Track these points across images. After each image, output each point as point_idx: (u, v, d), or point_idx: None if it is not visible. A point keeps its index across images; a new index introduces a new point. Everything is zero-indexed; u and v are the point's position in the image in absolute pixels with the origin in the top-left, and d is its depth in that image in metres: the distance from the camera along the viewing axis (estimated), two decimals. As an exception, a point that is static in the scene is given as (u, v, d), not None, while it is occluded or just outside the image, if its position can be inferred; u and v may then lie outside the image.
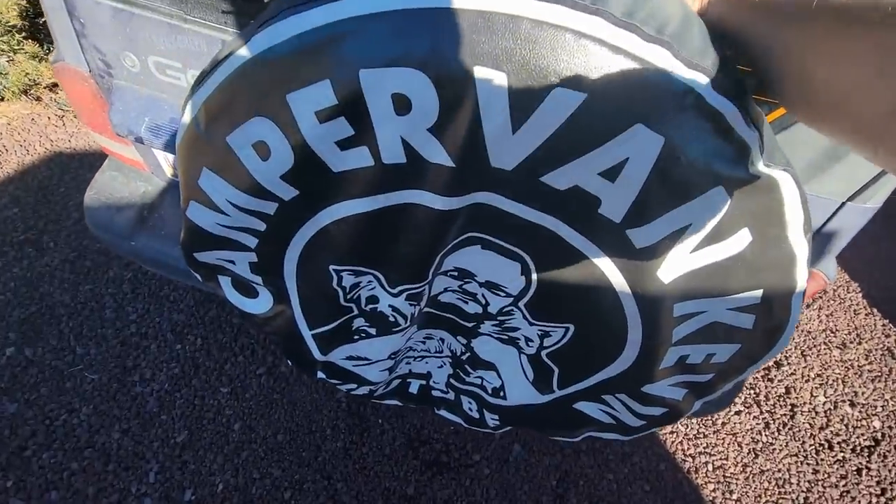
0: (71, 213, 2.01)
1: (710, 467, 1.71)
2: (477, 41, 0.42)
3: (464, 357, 0.84)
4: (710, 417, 1.82)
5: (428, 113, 0.47)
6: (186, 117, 0.56)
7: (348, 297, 0.70)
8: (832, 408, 1.90)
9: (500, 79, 0.44)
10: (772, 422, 1.84)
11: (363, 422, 1.64)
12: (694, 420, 1.82)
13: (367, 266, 0.65)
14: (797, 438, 1.81)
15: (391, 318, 0.74)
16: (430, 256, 0.62)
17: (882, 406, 1.90)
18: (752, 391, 1.91)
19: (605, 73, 0.42)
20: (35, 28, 2.11)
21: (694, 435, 1.77)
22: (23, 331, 1.71)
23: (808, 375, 1.98)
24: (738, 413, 1.85)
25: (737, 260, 0.53)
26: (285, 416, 1.62)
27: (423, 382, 0.90)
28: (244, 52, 0.49)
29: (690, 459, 1.72)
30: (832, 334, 2.11)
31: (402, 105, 0.47)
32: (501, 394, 0.83)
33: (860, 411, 1.89)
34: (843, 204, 0.76)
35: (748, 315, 0.59)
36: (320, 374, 0.90)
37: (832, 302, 2.21)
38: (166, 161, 1.09)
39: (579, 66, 0.42)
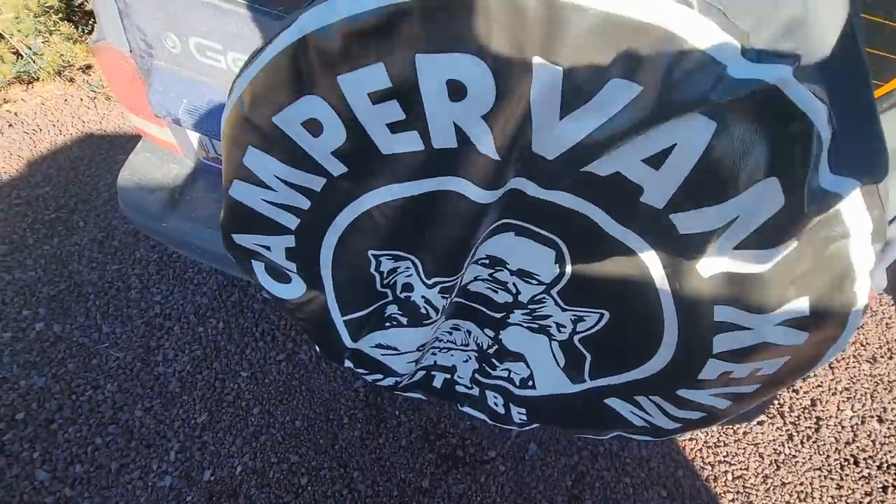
0: (101, 193, 2.05)
1: (729, 477, 1.68)
2: (538, 31, 0.41)
3: (490, 350, 0.83)
4: (731, 427, 1.79)
5: (483, 100, 0.45)
6: (233, 98, 0.55)
7: (385, 282, 0.70)
8: (859, 423, 1.84)
9: (556, 69, 0.42)
10: (795, 434, 1.80)
11: (380, 412, 1.64)
12: (714, 428, 1.78)
13: (406, 251, 0.65)
14: (821, 452, 1.76)
15: (423, 311, 0.73)
16: (466, 246, 0.61)
17: (912, 423, 1.84)
18: (776, 401, 1.86)
19: (661, 61, 0.40)
20: (70, 9, 2.15)
21: (714, 443, 1.74)
22: (52, 307, 1.75)
23: (836, 388, 1.92)
24: (760, 423, 1.81)
25: (783, 264, 0.51)
26: (303, 403, 1.64)
27: (448, 376, 0.90)
28: (293, 33, 0.48)
29: (709, 468, 1.69)
30: (862, 347, 2.05)
31: (456, 91, 0.45)
32: (530, 383, 0.82)
33: (888, 427, 1.83)
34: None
35: (798, 332, 0.56)
36: (347, 363, 0.90)
37: (864, 314, 2.14)
38: (200, 144, 1.09)
39: (635, 56, 0.40)
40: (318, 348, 0.98)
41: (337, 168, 0.56)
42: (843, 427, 1.83)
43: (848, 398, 1.90)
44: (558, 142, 0.47)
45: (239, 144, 0.57)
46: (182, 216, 1.15)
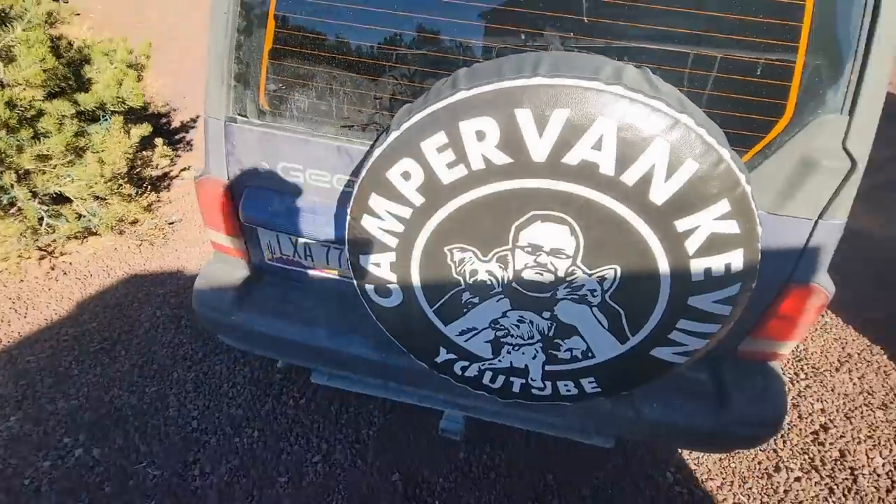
0: (143, 323, 2.23)
1: (783, 539, 1.63)
2: (555, 97, 0.72)
3: (551, 333, 0.99)
4: (771, 486, 1.78)
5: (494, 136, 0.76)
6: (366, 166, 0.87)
7: (457, 270, 0.94)
8: (892, 469, 1.85)
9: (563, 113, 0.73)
10: (835, 487, 1.79)
11: (419, 502, 1.63)
12: (755, 489, 1.78)
13: (467, 244, 0.90)
14: (866, 503, 1.74)
15: (488, 282, 0.94)
16: (507, 228, 0.88)
17: (943, 463, 1.85)
18: (805, 456, 1.88)
19: (630, 114, 0.71)
20: (130, 175, 2.59)
21: (758, 505, 1.71)
22: (92, 432, 1.80)
23: (859, 437, 1.96)
24: (797, 479, 1.81)
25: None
26: (342, 501, 1.62)
27: (524, 381, 1.04)
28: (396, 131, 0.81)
29: (761, 531, 1.65)
30: (870, 395, 2.14)
31: (480, 136, 0.76)
32: (590, 354, 0.99)
33: (922, 470, 1.84)
34: (816, 223, 0.99)
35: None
36: (444, 355, 1.08)
37: (860, 365, 2.27)
38: (268, 247, 1.35)
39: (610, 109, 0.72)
40: (411, 353, 1.14)
41: (418, 199, 0.86)
42: (878, 475, 1.83)
43: (874, 445, 1.93)
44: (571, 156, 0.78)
45: (366, 193, 0.87)
46: (247, 310, 1.35)
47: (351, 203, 0.91)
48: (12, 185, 2.15)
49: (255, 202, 1.20)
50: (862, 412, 2.07)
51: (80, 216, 2.50)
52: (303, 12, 1.01)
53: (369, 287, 1.01)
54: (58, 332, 2.17)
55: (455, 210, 0.85)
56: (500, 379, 1.08)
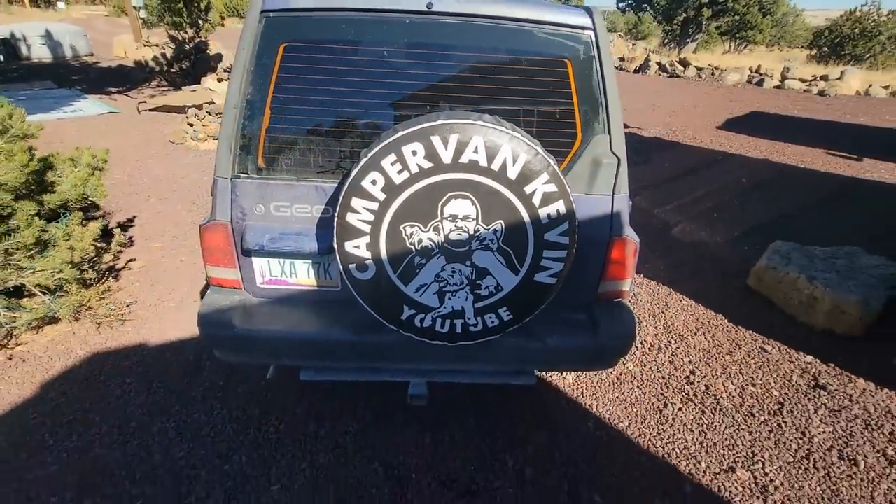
0: (113, 391, 2.37)
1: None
2: (451, 129, 1.33)
3: (473, 276, 1.50)
4: (663, 417, 2.34)
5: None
6: (343, 188, 1.39)
7: (409, 241, 1.44)
8: (741, 391, 2.53)
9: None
10: (705, 409, 2.40)
11: (401, 478, 1.94)
12: (651, 422, 2.32)
13: (414, 221, 1.43)
14: (727, 414, 2.36)
15: (429, 245, 1.45)
16: (437, 206, 1.42)
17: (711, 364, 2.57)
18: (682, 393, 2.50)
19: (489, 134, 1.34)
20: (89, 263, 2.80)
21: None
22: (79, 488, 1.90)
23: (716, 374, 2.64)
24: (680, 409, 2.40)
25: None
26: (333, 492, 1.89)
27: (462, 321, 1.53)
28: (366, 157, 1.37)
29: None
30: (720, 347, 2.87)
31: (414, 153, 1.35)
32: (500, 287, 1.50)
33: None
34: (613, 196, 1.68)
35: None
36: (406, 311, 1.54)
37: (710, 329, 3.04)
38: (261, 272, 1.77)
39: (480, 133, 1.35)
40: (382, 317, 1.58)
41: (381, 196, 1.39)
42: (732, 396, 2.49)
43: (727, 378, 2.62)
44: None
45: (348, 200, 1.38)
46: (246, 322, 1.72)
47: (338, 208, 1.42)
48: (-22, 279, 2.31)
49: (255, 235, 1.65)
50: (716, 358, 2.78)
51: (41, 304, 2.63)
52: (290, 103, 1.58)
53: (352, 266, 1.49)
54: (24, 414, 2.24)
55: (404, 200, 1.39)
56: (448, 323, 1.57)
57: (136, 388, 2.40)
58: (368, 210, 1.41)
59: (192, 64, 9.83)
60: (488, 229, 1.46)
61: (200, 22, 9.20)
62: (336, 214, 1.44)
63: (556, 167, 1.41)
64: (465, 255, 1.49)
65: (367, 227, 1.43)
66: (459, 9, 1.55)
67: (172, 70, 9.84)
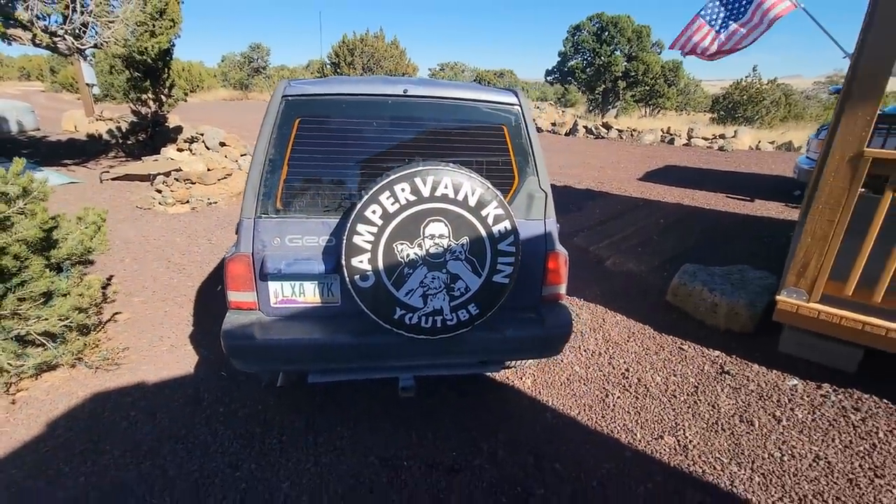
0: (119, 423, 2.57)
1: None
2: (428, 172, 1.90)
3: (448, 281, 1.98)
4: (606, 406, 2.84)
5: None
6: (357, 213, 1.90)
7: (400, 256, 1.91)
8: (665, 380, 3.10)
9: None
10: (638, 395, 2.94)
11: (396, 467, 2.29)
12: (596, 409, 2.82)
13: (403, 240, 1.91)
14: (624, 398, 2.91)
15: (414, 258, 1.92)
16: (419, 227, 1.93)
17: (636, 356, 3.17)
18: (620, 385, 3.03)
19: (454, 175, 1.92)
20: (87, 311, 3.03)
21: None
22: (104, 498, 2.10)
23: (645, 369, 3.21)
24: (618, 398, 2.92)
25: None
26: (336, 483, 2.21)
27: (441, 317, 1.99)
28: (367, 195, 1.89)
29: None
30: (648, 350, 3.47)
31: (402, 189, 1.89)
32: (468, 288, 1.98)
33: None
34: (545, 220, 2.29)
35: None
36: (398, 312, 1.97)
37: (640, 336, 3.65)
38: (275, 294, 2.18)
39: (448, 175, 1.92)
40: (378, 317, 2.00)
41: (379, 222, 1.89)
42: (658, 384, 3.05)
43: (654, 372, 3.19)
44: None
45: (353, 227, 1.87)
46: (264, 336, 2.10)
47: (346, 232, 1.91)
48: (-8, 327, 2.52)
49: (273, 261, 2.09)
50: (644, 357, 3.37)
51: (45, 350, 2.82)
52: (303, 161, 2.10)
53: (356, 277, 1.95)
54: (35, 448, 2.40)
55: (396, 224, 1.90)
56: (430, 320, 2.04)
57: (142, 419, 2.62)
58: (370, 233, 1.92)
59: (149, 136, 10.17)
60: (458, 244, 1.99)
61: (164, 98, 9.67)
62: (345, 237, 1.92)
63: (501, 197, 2.00)
64: (442, 265, 2.00)
65: (368, 246, 1.93)
66: (427, 92, 2.18)
67: (129, 141, 10.11)
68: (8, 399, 2.68)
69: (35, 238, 2.64)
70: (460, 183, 1.94)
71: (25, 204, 2.64)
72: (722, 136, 15.11)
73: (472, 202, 1.96)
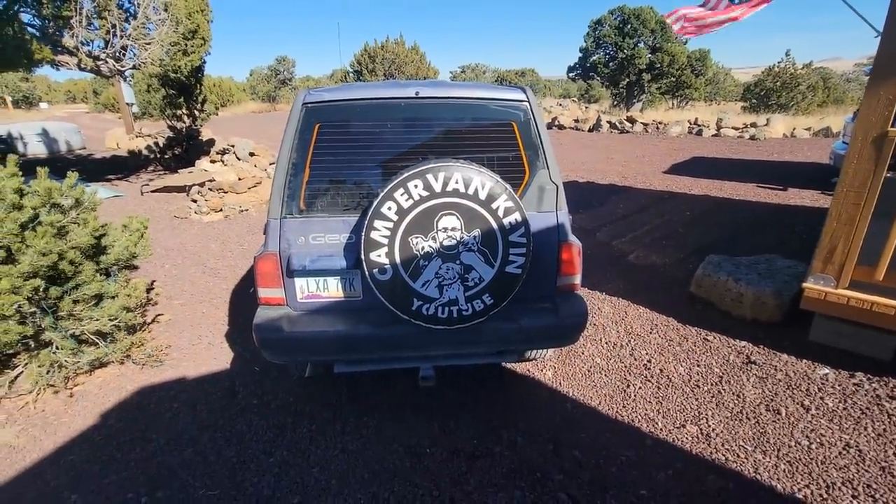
0: (163, 414, 2.77)
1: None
2: (440, 168, 1.99)
3: (462, 271, 2.06)
4: (628, 395, 2.86)
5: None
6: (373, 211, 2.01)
7: (416, 248, 2.00)
8: (688, 371, 3.08)
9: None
10: (661, 385, 2.94)
11: (415, 450, 2.39)
12: (617, 399, 2.84)
13: (418, 233, 2.01)
14: (670, 389, 2.90)
15: (429, 251, 2.01)
16: (433, 221, 2.02)
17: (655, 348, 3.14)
18: (640, 377, 3.04)
19: (466, 170, 2.01)
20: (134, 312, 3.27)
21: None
22: (149, 486, 2.28)
23: (668, 361, 3.20)
24: (640, 388, 2.93)
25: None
26: (361, 468, 2.32)
27: (457, 307, 2.07)
28: (383, 192, 2.01)
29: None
30: (671, 341, 3.45)
31: (416, 186, 1.99)
32: (482, 279, 2.06)
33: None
34: (557, 213, 2.35)
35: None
36: (415, 303, 2.06)
37: (663, 329, 3.63)
38: (301, 290, 2.32)
39: (460, 170, 2.01)
40: (397, 309, 2.10)
41: (395, 217, 1.99)
42: (682, 374, 3.04)
43: (676, 363, 3.18)
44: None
45: (371, 225, 1.99)
46: (291, 328, 2.23)
47: (364, 228, 2.02)
48: (52, 327, 2.77)
49: (298, 259, 2.23)
50: (667, 348, 3.35)
51: (97, 348, 3.07)
52: (324, 163, 2.23)
53: (375, 270, 2.06)
54: (91, 437, 2.62)
55: (411, 218, 2.00)
56: (446, 310, 2.13)
57: (184, 410, 2.81)
58: (386, 228, 2.03)
59: (184, 150, 10.69)
60: (470, 236, 2.07)
61: (196, 113, 10.16)
62: (363, 234, 2.04)
63: (511, 190, 2.07)
64: (455, 256, 2.09)
65: (385, 241, 2.03)
66: (438, 94, 2.27)
67: (166, 155, 10.66)
68: (66, 393, 2.92)
69: (87, 244, 2.88)
70: (470, 178, 2.02)
71: (78, 214, 2.88)
72: (753, 125, 14.61)
73: (483, 195, 2.04)
